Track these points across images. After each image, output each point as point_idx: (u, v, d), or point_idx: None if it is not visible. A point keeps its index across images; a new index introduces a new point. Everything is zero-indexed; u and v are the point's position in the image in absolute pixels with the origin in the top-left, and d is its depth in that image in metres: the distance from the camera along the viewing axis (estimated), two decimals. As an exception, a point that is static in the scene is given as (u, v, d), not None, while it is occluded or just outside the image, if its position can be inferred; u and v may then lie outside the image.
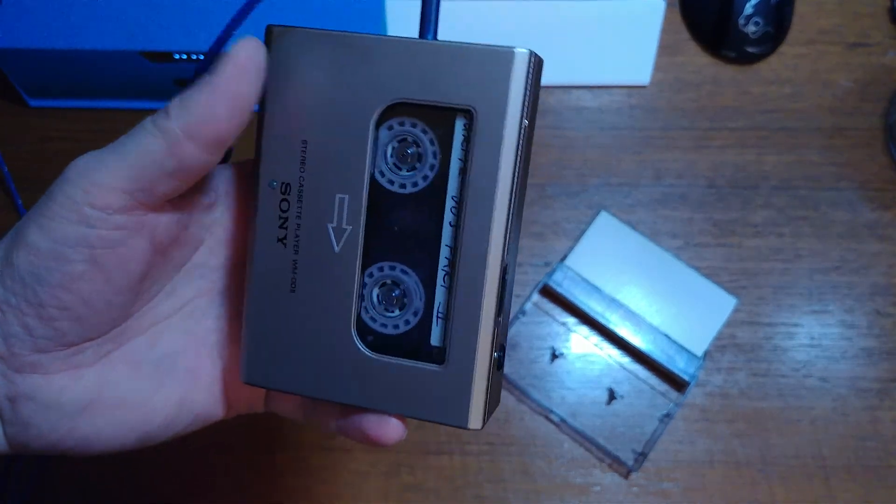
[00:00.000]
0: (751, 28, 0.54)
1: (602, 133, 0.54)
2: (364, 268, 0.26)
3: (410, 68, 0.24)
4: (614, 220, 0.51)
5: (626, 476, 0.46)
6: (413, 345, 0.27)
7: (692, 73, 0.55)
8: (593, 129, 0.54)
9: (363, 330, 0.27)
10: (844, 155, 0.53)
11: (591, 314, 0.48)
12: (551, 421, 0.47)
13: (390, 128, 0.26)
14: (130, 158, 0.24)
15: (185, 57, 0.49)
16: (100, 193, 0.23)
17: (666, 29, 0.55)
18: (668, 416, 0.47)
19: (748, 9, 0.54)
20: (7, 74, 0.51)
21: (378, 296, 0.27)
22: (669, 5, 0.56)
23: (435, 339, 0.26)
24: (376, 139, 0.26)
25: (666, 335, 0.48)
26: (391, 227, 0.26)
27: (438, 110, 0.25)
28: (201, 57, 0.49)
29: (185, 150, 0.24)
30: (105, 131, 0.54)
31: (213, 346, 0.29)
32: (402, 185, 0.26)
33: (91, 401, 0.26)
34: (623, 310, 0.48)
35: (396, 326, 0.27)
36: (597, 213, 0.51)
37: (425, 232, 0.26)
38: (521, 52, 0.24)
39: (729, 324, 0.49)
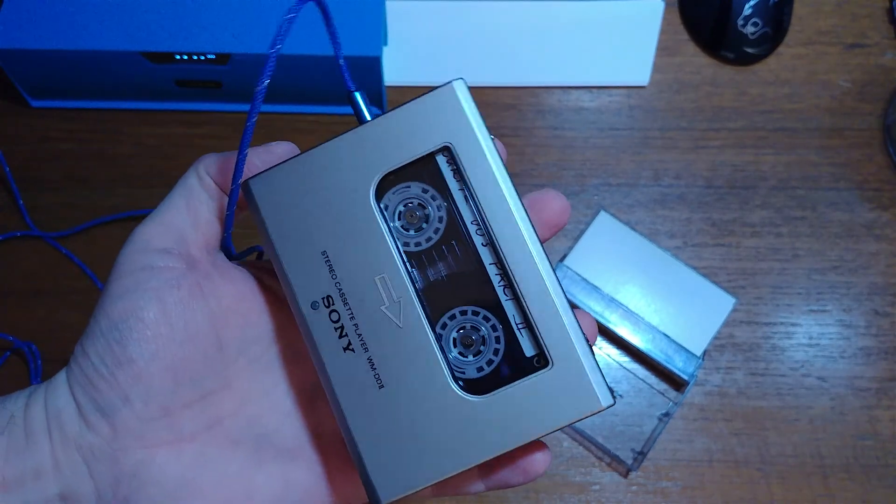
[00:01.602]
0: (749, 29, 0.54)
1: (601, 133, 0.54)
2: (433, 328, 0.27)
3: (379, 146, 0.27)
4: (613, 220, 0.51)
5: (626, 475, 0.47)
6: (514, 367, 0.27)
7: (691, 73, 0.55)
8: (592, 130, 0.54)
9: (464, 383, 0.27)
10: (842, 155, 0.53)
11: (591, 314, 0.48)
12: (550, 420, 0.47)
13: (387, 204, 0.27)
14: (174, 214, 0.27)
15: (185, 58, 0.49)
16: (154, 238, 0.26)
17: (665, 30, 0.55)
18: (666, 415, 0.47)
19: (747, 10, 0.54)
20: (9, 75, 0.51)
21: (458, 346, 0.27)
22: (668, 6, 0.56)
23: (528, 350, 0.27)
24: (384, 216, 0.27)
25: (665, 335, 0.48)
26: (436, 280, 0.27)
27: (419, 163, 0.27)
28: (202, 58, 0.49)
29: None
30: (106, 131, 0.54)
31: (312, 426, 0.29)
32: (426, 240, 0.27)
33: (193, 478, 0.26)
34: (622, 309, 0.49)
35: (490, 362, 0.27)
36: (596, 213, 0.51)
37: (467, 264, 0.27)
38: (458, 82, 0.26)
39: (727, 323, 0.49)
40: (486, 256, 0.27)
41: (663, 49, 0.56)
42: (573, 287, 0.49)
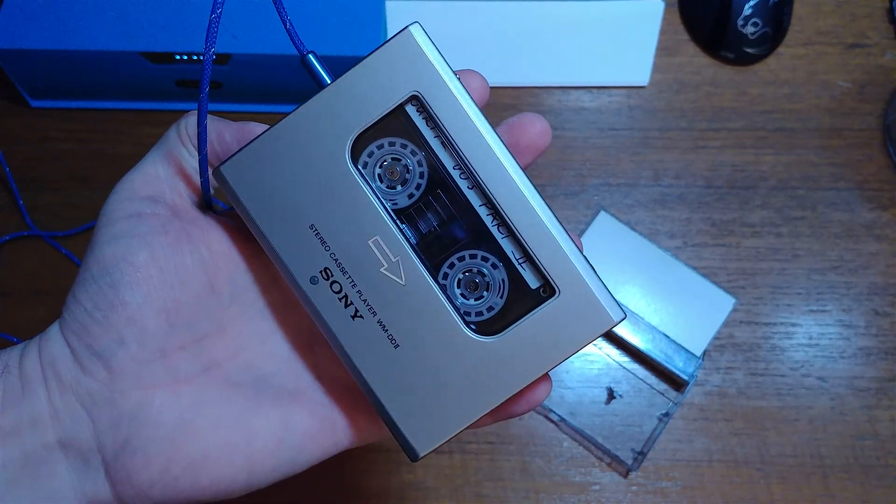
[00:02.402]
0: (749, 29, 0.54)
1: (601, 133, 0.54)
2: (435, 279, 0.27)
3: (345, 107, 0.26)
4: (613, 220, 0.51)
5: (625, 475, 0.47)
6: (523, 301, 0.27)
7: (691, 73, 0.55)
8: (592, 130, 0.54)
9: (476, 326, 0.27)
10: (842, 155, 0.53)
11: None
12: (551, 420, 0.47)
13: (365, 165, 0.27)
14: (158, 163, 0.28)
15: (185, 58, 0.49)
16: (139, 187, 0.27)
17: (665, 30, 0.55)
18: (666, 415, 0.47)
19: (747, 10, 0.54)
20: (9, 75, 0.51)
21: (463, 292, 0.27)
22: (668, 6, 0.56)
23: (533, 282, 0.27)
24: (365, 178, 0.26)
25: (665, 335, 0.48)
26: (428, 232, 0.27)
27: (390, 117, 0.26)
28: (202, 58, 0.49)
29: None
30: (106, 132, 0.54)
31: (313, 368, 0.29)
32: (411, 195, 0.27)
33: (192, 419, 0.26)
34: (622, 309, 0.49)
35: (497, 302, 0.27)
36: (596, 213, 0.51)
37: (456, 210, 0.27)
38: (414, 26, 0.26)
39: (727, 323, 0.49)
40: (474, 199, 0.26)
41: (663, 49, 0.56)
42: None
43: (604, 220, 0.51)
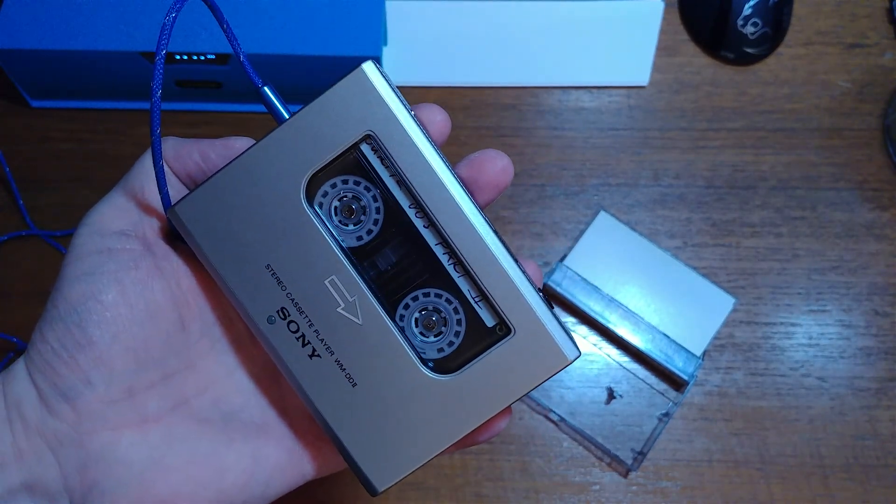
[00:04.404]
0: (749, 29, 0.54)
1: (601, 133, 0.54)
2: (392, 318, 0.27)
3: (300, 145, 0.26)
4: (613, 220, 0.51)
5: (625, 475, 0.47)
6: (478, 340, 0.27)
7: (691, 73, 0.55)
8: (592, 130, 0.54)
9: (433, 364, 0.27)
10: (842, 155, 0.53)
11: (591, 314, 0.48)
12: (550, 420, 0.47)
13: (321, 203, 0.27)
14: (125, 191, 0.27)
15: (185, 58, 0.49)
16: (110, 221, 0.26)
17: (665, 30, 0.55)
18: (666, 415, 0.47)
19: (746, 10, 0.54)
20: (9, 75, 0.51)
21: (421, 331, 0.27)
22: (668, 6, 0.56)
23: (489, 321, 0.27)
24: (321, 217, 0.26)
25: (665, 335, 0.48)
26: (385, 270, 0.27)
27: (345, 155, 0.26)
28: (202, 58, 0.49)
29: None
30: (106, 132, 0.54)
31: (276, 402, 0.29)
32: (367, 232, 0.27)
33: (161, 458, 0.26)
34: (622, 309, 0.49)
35: (454, 340, 0.27)
36: (596, 213, 0.51)
37: (413, 249, 0.27)
38: (367, 64, 0.25)
39: (727, 323, 0.49)
40: (429, 238, 0.26)
41: (663, 49, 0.56)
42: (573, 287, 0.49)
43: (604, 220, 0.51)
